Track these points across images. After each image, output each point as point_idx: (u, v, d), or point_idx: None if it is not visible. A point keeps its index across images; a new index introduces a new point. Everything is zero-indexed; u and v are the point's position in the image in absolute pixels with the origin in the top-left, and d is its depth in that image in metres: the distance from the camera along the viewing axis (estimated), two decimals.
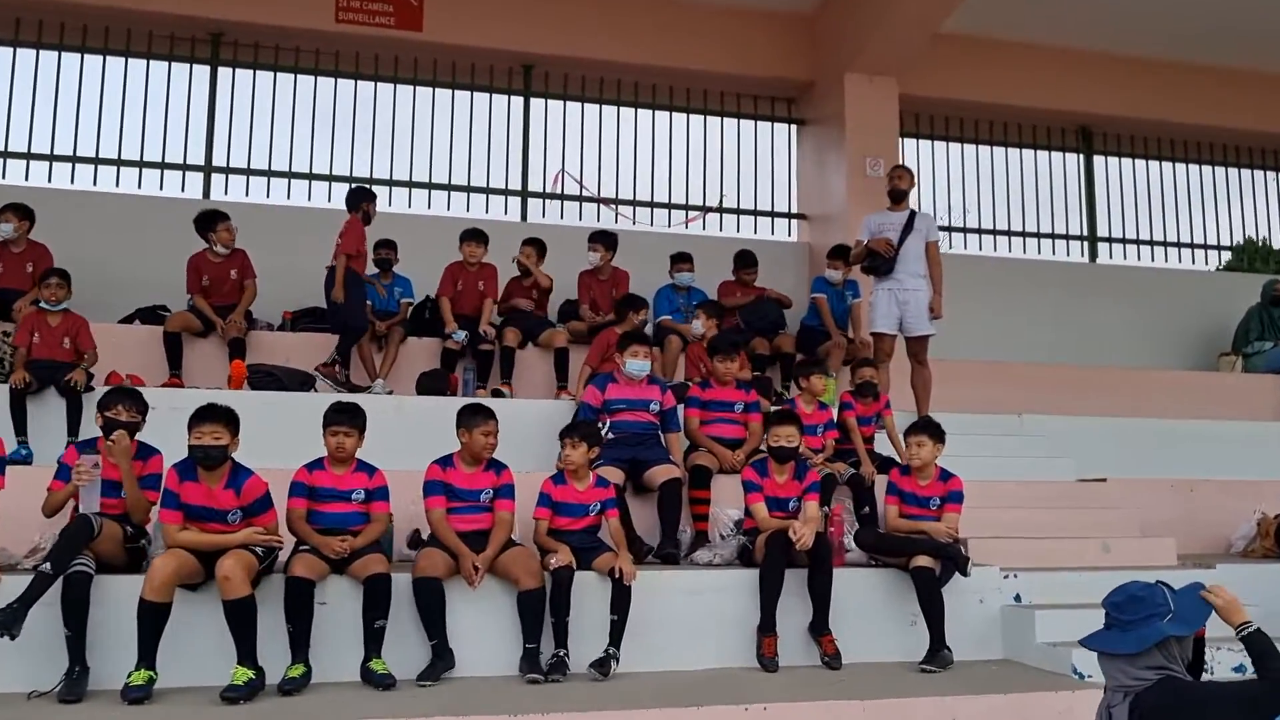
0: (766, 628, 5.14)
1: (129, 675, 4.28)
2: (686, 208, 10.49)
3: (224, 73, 9.41)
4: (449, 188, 9.82)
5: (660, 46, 9.80)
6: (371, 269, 7.98)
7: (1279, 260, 13.54)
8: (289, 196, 9.43)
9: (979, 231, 11.13)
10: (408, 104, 9.79)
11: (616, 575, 4.95)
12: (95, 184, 9.08)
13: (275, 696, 4.41)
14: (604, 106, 10.25)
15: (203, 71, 9.36)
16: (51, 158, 9.00)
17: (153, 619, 4.35)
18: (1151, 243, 11.64)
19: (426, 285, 8.17)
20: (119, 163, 9.14)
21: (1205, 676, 3.10)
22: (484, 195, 9.90)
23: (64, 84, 9.07)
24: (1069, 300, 10.76)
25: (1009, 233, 11.19)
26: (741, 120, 10.64)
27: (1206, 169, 11.89)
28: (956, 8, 8.86)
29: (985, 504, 6.36)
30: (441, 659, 4.75)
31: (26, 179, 8.90)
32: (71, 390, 6.21)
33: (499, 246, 8.18)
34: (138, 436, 4.98)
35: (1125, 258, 11.52)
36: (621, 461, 6.00)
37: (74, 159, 9.04)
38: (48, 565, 4.33)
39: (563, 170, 10.11)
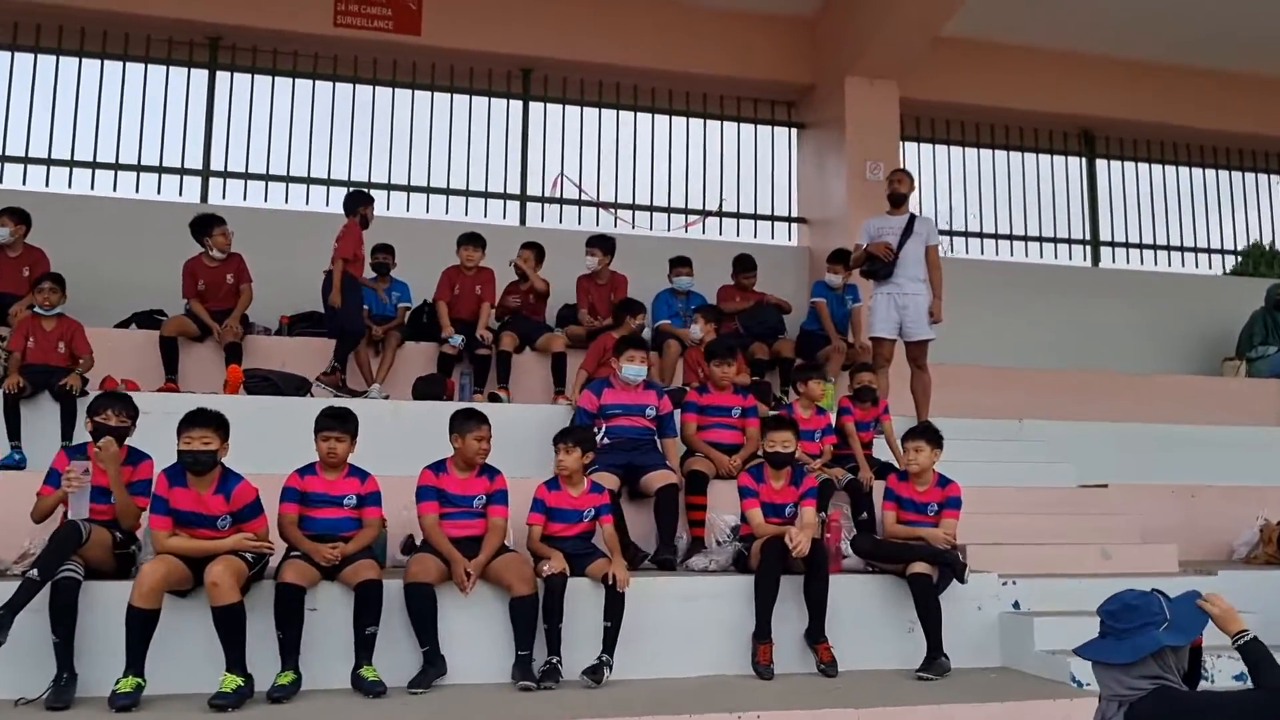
0: (762, 635, 5.09)
1: (116, 682, 4.25)
2: (686, 211, 10.45)
3: (222, 76, 9.39)
4: (448, 192, 9.80)
5: (660, 49, 9.77)
6: (369, 273, 7.96)
7: None
8: (287, 201, 9.42)
9: (980, 235, 11.08)
10: (406, 108, 9.77)
11: (610, 582, 4.91)
12: (93, 188, 9.07)
13: (264, 704, 4.36)
14: (603, 110, 10.22)
15: (201, 75, 9.35)
16: (49, 162, 8.98)
17: (141, 625, 4.32)
18: (1155, 247, 11.59)
19: (425, 290, 8.14)
20: (117, 167, 9.12)
21: (1204, 685, 3.05)
22: (483, 199, 9.87)
23: (62, 88, 9.06)
24: (1071, 304, 10.68)
25: (1011, 237, 11.13)
26: (741, 124, 10.60)
27: (1210, 173, 11.84)
28: (957, 11, 8.83)
29: (984, 510, 6.32)
30: (433, 666, 4.72)
31: (24, 183, 8.89)
32: (65, 395, 6.18)
33: (498, 251, 8.14)
34: (129, 441, 4.97)
35: (1128, 262, 11.47)
36: (617, 467, 5.97)
37: (72, 163, 9.03)
38: (34, 572, 4.30)
39: (562, 174, 10.08)
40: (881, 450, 6.89)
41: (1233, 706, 2.80)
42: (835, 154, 9.79)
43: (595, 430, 5.98)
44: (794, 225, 10.63)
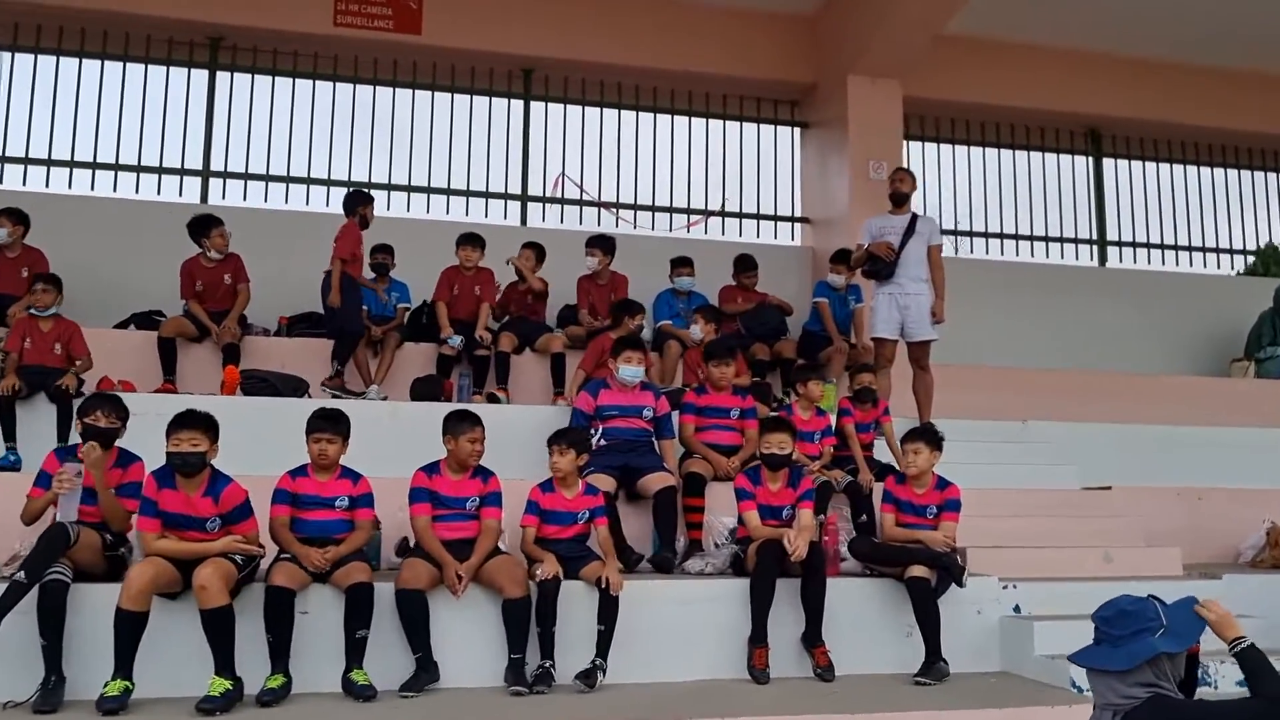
0: (758, 638, 5.04)
1: (105, 685, 4.22)
2: (688, 211, 10.40)
3: (222, 77, 9.37)
4: (448, 192, 9.76)
5: (661, 49, 9.72)
6: (368, 273, 7.92)
7: None
8: (287, 201, 9.40)
9: (985, 235, 11.00)
10: (406, 108, 9.74)
11: (604, 585, 4.86)
12: (93, 189, 9.06)
13: (253, 708, 4.33)
14: (604, 109, 10.18)
15: (201, 75, 9.33)
16: (49, 162, 8.98)
17: (130, 628, 4.29)
18: (1163, 246, 11.49)
19: (424, 290, 8.09)
20: (116, 167, 9.11)
21: (1207, 691, 2.99)
22: (483, 199, 9.84)
23: (62, 88, 9.05)
24: (1077, 305, 10.59)
25: (1016, 236, 11.05)
26: (743, 123, 10.55)
27: (1219, 172, 11.73)
28: (960, 9, 8.75)
29: (986, 512, 6.25)
30: (426, 671, 4.68)
31: (24, 183, 8.89)
32: (61, 395, 6.16)
33: (498, 251, 8.10)
34: (119, 443, 4.93)
35: (1135, 262, 11.38)
36: (613, 468, 5.92)
37: (71, 163, 9.02)
38: (22, 574, 4.27)
39: (563, 174, 10.04)
40: (882, 452, 6.82)
41: (1229, 716, 2.74)
42: (838, 153, 9.73)
43: (592, 432, 5.93)
44: (797, 225, 10.56)
